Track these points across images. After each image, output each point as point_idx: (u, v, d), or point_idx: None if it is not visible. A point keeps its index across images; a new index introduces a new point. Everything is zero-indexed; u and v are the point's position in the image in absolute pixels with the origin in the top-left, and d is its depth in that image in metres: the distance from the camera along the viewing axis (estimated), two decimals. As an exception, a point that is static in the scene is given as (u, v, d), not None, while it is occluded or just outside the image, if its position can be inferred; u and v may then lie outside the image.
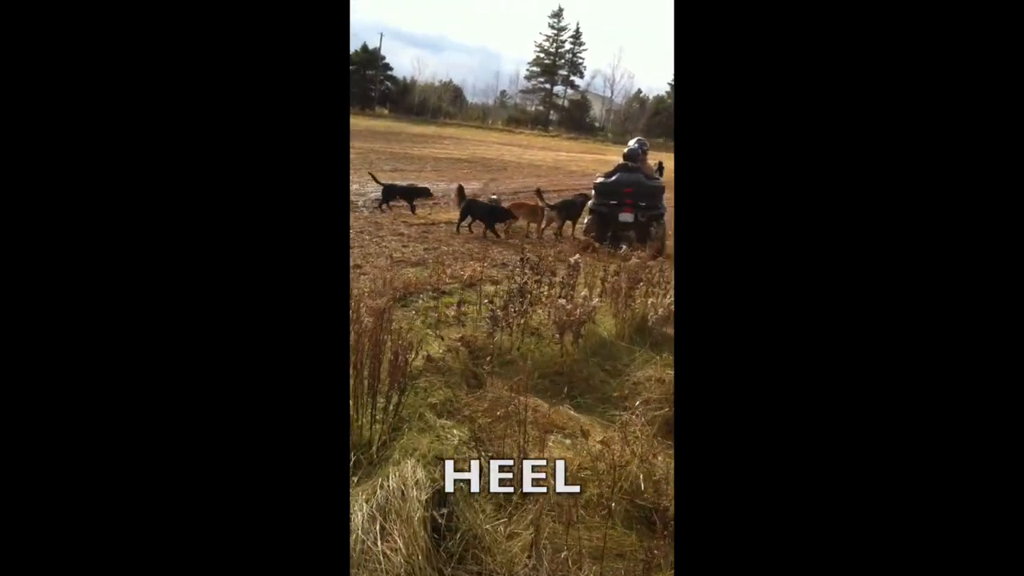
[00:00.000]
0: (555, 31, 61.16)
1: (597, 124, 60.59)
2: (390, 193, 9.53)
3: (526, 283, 3.56)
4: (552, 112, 60.53)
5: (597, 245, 7.58)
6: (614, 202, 7.74)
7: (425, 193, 9.61)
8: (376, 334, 2.57)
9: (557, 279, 3.74)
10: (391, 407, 2.46)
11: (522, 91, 62.34)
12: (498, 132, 47.68)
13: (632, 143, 8.57)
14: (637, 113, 60.58)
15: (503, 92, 63.42)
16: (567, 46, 61.40)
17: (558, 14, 61.13)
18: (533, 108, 61.39)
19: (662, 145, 55.63)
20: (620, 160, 8.12)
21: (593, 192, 8.07)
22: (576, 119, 58.34)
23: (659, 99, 61.71)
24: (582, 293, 3.46)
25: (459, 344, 3.27)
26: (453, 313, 4.30)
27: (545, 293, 3.69)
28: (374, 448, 2.25)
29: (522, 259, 3.87)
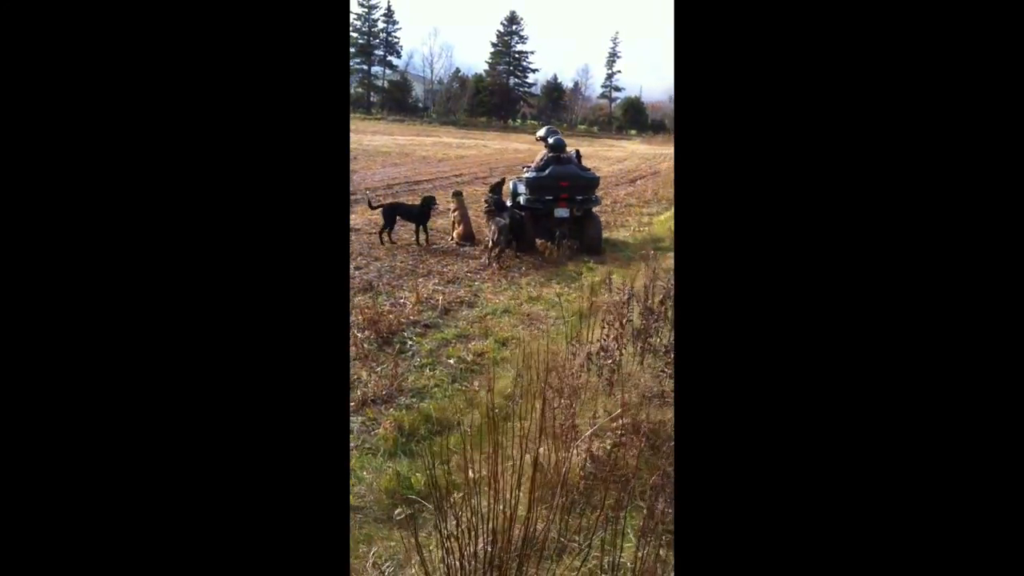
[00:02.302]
0: (366, 9, 58.66)
1: (420, 105, 59.34)
2: (392, 214, 7.36)
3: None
4: (372, 94, 58.24)
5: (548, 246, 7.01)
6: (549, 197, 7.16)
7: (432, 203, 7.59)
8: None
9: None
10: None
11: (338, 72, 59.03)
12: (320, 117, 44.78)
13: (544, 132, 8.01)
14: (458, 92, 60.13)
15: (313, 74, 59.44)
16: (380, 25, 59.25)
17: (368, -9, 58.64)
18: (353, 90, 58.62)
19: (483, 124, 56.28)
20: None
21: (523, 187, 7.44)
22: (399, 100, 56.60)
23: (478, 77, 61.81)
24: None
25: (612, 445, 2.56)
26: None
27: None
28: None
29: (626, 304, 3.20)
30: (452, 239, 7.69)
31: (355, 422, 3.10)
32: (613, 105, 64.34)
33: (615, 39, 70.45)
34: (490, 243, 6.79)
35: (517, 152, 25.02)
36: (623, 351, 3.12)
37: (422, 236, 7.43)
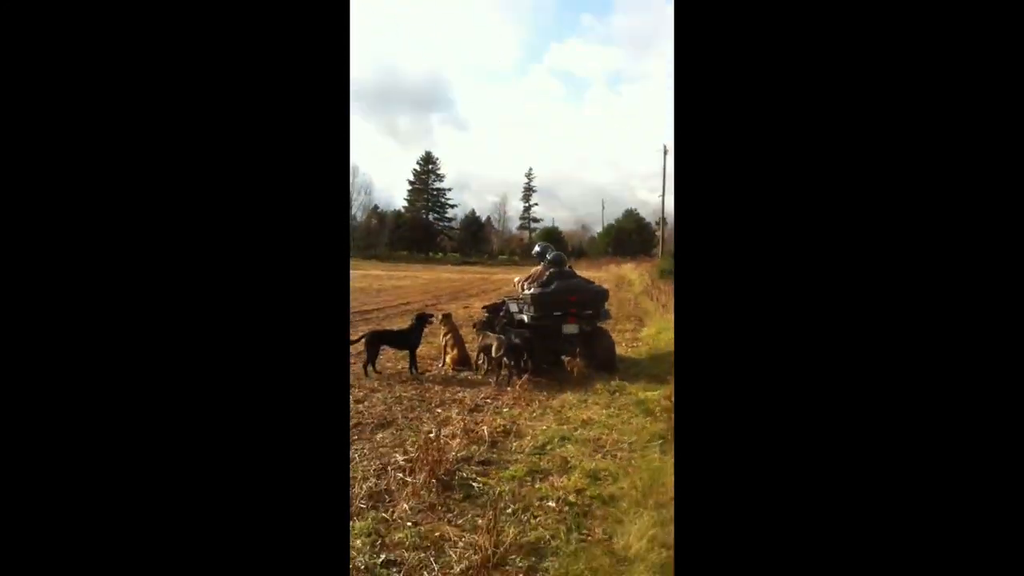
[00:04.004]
0: (283, 151, 59.22)
1: (340, 241, 59.02)
2: (376, 343, 6.41)
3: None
4: (289, 233, 57.53)
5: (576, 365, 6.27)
6: (558, 313, 6.55)
7: (427, 319, 6.82)
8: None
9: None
10: None
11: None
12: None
13: (541, 249, 7.63)
14: (377, 228, 60.46)
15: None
16: (298, 165, 59.65)
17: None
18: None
19: (405, 257, 56.33)
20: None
21: (516, 306, 6.84)
22: (318, 237, 56.22)
23: (397, 213, 62.57)
24: None
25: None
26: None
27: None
28: None
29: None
30: (444, 365, 6.85)
31: (480, 605, 2.19)
32: (532, 235, 66.38)
33: (529, 174, 73.94)
34: (496, 365, 6.05)
35: (451, 280, 24.90)
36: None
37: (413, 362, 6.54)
